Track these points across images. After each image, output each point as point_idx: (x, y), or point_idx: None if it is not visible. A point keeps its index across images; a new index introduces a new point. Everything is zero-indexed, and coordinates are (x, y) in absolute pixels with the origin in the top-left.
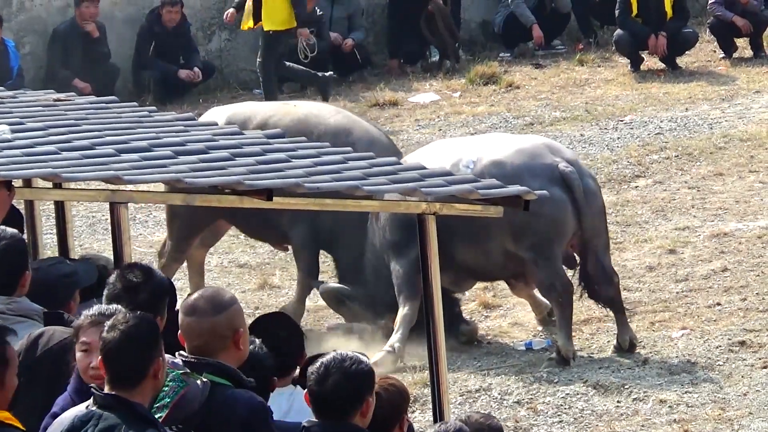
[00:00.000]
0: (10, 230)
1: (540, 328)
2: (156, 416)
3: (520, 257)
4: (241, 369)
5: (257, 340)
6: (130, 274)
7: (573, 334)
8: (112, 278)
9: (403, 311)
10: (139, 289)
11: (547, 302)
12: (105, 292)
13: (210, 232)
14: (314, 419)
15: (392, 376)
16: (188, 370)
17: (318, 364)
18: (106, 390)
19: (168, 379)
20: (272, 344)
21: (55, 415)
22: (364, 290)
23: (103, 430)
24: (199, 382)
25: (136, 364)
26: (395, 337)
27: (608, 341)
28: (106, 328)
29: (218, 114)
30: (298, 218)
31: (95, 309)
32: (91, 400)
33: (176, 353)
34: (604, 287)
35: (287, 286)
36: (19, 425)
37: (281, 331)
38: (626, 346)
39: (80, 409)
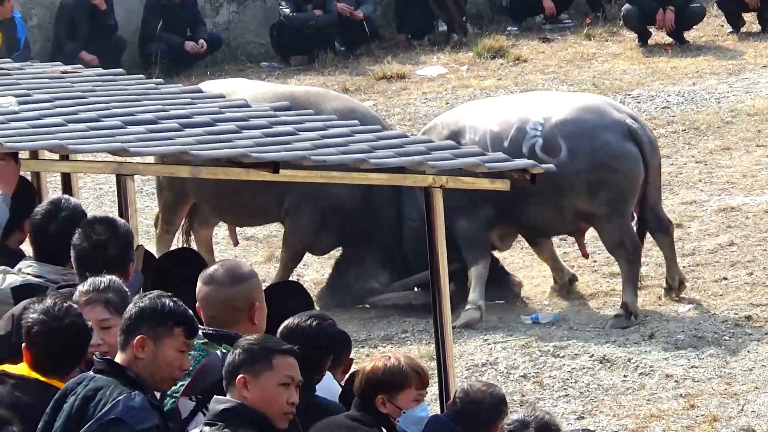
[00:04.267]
0: (73, 200)
1: (546, 302)
2: (177, 385)
3: (591, 213)
4: None
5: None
6: (94, 233)
7: (578, 308)
8: (76, 239)
9: (477, 269)
10: (108, 245)
11: (569, 269)
12: (72, 254)
13: (210, 210)
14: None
15: (400, 355)
16: (207, 341)
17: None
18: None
19: None
20: (283, 315)
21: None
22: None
23: (92, 390)
24: (218, 353)
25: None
26: (475, 295)
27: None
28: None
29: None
30: (305, 198)
31: (89, 284)
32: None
33: None
34: (659, 235)
35: None
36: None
37: (292, 303)
38: (676, 284)
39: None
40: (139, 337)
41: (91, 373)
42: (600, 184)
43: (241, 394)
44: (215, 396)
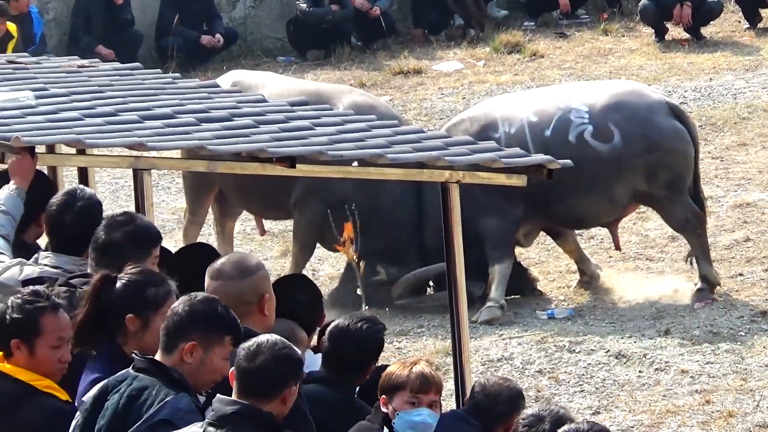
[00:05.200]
0: (89, 191)
1: (562, 297)
2: None
3: (651, 195)
4: None
5: None
6: (114, 222)
7: (594, 303)
8: (98, 229)
9: (501, 268)
10: (123, 235)
11: (593, 261)
12: (91, 243)
13: (233, 201)
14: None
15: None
16: None
17: (251, 342)
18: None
19: None
20: (292, 308)
21: (94, 380)
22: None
23: (136, 389)
24: None
25: None
26: (498, 293)
27: (631, 310)
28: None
29: None
30: (311, 191)
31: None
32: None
33: None
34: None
35: None
36: (63, 395)
37: (301, 295)
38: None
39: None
40: (191, 343)
41: (132, 371)
42: (658, 167)
43: None
44: (218, 396)
